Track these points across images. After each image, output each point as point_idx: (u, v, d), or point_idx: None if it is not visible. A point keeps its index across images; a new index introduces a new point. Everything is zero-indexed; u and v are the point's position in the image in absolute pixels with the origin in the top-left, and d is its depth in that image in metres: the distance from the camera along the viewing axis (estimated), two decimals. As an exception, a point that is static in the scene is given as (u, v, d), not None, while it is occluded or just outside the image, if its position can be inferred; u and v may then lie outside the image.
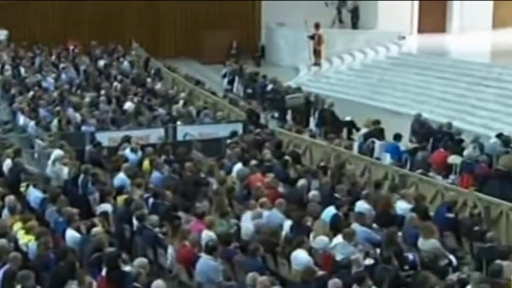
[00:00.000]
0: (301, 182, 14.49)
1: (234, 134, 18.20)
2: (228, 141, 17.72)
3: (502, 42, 30.83)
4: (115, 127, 19.53)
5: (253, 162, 15.62)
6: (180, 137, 18.93)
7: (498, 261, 10.70)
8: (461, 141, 17.85)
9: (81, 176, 14.80)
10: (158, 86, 24.78)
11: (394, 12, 31.58)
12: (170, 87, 25.02)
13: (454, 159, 16.66)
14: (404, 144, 17.95)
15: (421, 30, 32.90)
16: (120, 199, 13.61)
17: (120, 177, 14.84)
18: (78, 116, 20.03)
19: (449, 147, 17.30)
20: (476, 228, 12.56)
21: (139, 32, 32.88)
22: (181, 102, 22.17)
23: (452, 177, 16.36)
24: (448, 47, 31.42)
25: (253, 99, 24.95)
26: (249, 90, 26.36)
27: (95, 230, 11.73)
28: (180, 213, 12.84)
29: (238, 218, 13.07)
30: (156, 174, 15.30)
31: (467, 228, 12.71)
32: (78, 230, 12.15)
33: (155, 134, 18.81)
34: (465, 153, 16.77)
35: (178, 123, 19.86)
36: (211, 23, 33.98)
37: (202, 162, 16.03)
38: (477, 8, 32.19)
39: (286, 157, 16.14)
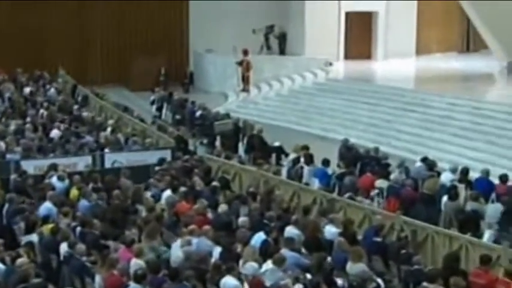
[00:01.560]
0: (222, 208, 14.47)
1: (162, 160, 18.09)
2: (157, 168, 17.61)
3: (425, 68, 31.67)
4: (41, 155, 19.18)
5: (183, 189, 15.55)
6: (108, 165, 18.70)
7: (425, 284, 10.91)
8: (388, 165, 18.15)
9: (6, 206, 14.48)
10: (85, 113, 24.48)
11: (321, 39, 32.05)
12: (98, 114, 24.76)
13: (381, 183, 16.90)
14: (333, 169, 18.13)
15: (347, 56, 33.50)
16: (46, 228, 13.35)
17: (46, 206, 14.56)
18: (2, 144, 19.62)
19: (376, 171, 17.56)
20: (403, 251, 12.76)
21: (66, 59, 32.35)
22: (109, 129, 21.92)
23: (374, 192, 16.60)
24: (374, 73, 32.02)
25: (182, 126, 24.86)
26: (178, 117, 26.27)
27: (20, 260, 11.45)
28: (109, 242, 12.67)
29: (168, 245, 12.98)
30: (83, 202, 15.07)
31: (394, 252, 12.90)
32: (2, 261, 11.85)
33: (83, 162, 18.56)
34: (392, 177, 17.06)
35: (106, 150, 19.65)
36: (139, 50, 33.77)
37: (131, 189, 15.87)
38: (401, 35, 32.99)
39: (215, 183, 16.14)
